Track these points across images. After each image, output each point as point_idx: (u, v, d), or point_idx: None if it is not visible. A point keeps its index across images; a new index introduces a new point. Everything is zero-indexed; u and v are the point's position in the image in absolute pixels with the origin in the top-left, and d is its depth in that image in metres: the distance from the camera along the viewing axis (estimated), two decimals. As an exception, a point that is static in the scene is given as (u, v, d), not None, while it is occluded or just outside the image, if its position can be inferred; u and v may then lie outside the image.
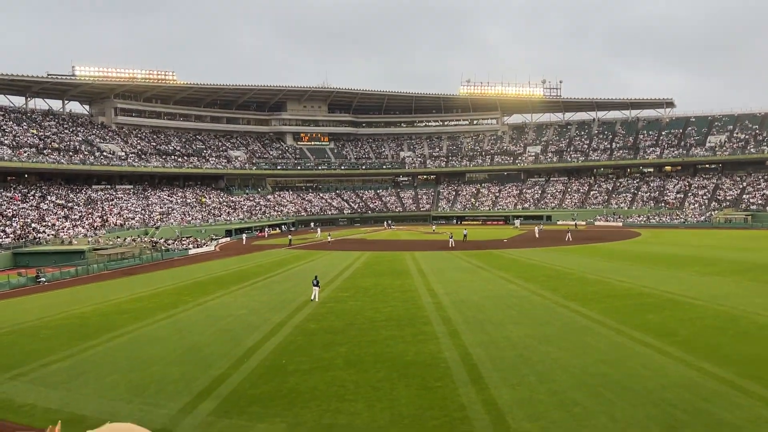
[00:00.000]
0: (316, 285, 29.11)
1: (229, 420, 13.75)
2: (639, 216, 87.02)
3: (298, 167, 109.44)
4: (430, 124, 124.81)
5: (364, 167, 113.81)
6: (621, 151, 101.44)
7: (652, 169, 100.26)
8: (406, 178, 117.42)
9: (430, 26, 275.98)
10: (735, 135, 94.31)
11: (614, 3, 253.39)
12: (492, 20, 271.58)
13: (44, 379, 17.54)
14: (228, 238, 75.37)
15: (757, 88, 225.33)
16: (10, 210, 61.56)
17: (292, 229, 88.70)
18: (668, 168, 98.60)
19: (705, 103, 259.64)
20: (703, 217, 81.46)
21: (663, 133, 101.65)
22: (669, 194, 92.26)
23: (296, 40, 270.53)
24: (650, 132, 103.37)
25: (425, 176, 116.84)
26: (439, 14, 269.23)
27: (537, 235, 66.52)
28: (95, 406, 14.99)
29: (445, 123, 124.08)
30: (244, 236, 75.18)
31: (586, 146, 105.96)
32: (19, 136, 73.54)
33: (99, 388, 16.46)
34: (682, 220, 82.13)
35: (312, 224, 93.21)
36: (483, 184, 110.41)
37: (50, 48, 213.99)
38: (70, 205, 69.80)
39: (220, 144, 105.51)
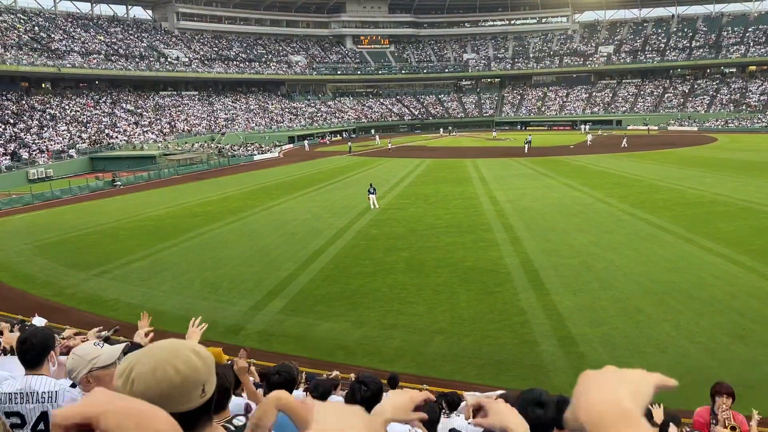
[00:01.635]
0: (373, 193, 29.14)
1: (297, 318, 14.49)
2: (716, 120, 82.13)
3: (358, 72, 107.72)
4: (495, 23, 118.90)
5: (425, 71, 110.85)
6: (701, 50, 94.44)
7: (734, 70, 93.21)
8: (468, 82, 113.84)
9: None
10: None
11: None
12: None
13: (126, 276, 18.83)
14: (291, 145, 76.29)
15: None
16: (84, 116, 63.93)
17: (353, 136, 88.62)
18: (752, 68, 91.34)
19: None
20: (789, 121, 76.23)
21: (750, 29, 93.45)
22: (751, 96, 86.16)
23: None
24: (735, 28, 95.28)
25: (489, 80, 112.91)
26: None
27: (588, 143, 61.29)
28: (174, 303, 16.07)
29: (512, 22, 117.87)
30: (306, 143, 75.85)
31: (662, 45, 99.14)
32: (87, 43, 75.06)
33: (176, 285, 17.56)
34: (765, 124, 77.00)
35: (372, 131, 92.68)
36: (550, 88, 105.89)
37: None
38: (139, 111, 71.80)
39: (280, 48, 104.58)
